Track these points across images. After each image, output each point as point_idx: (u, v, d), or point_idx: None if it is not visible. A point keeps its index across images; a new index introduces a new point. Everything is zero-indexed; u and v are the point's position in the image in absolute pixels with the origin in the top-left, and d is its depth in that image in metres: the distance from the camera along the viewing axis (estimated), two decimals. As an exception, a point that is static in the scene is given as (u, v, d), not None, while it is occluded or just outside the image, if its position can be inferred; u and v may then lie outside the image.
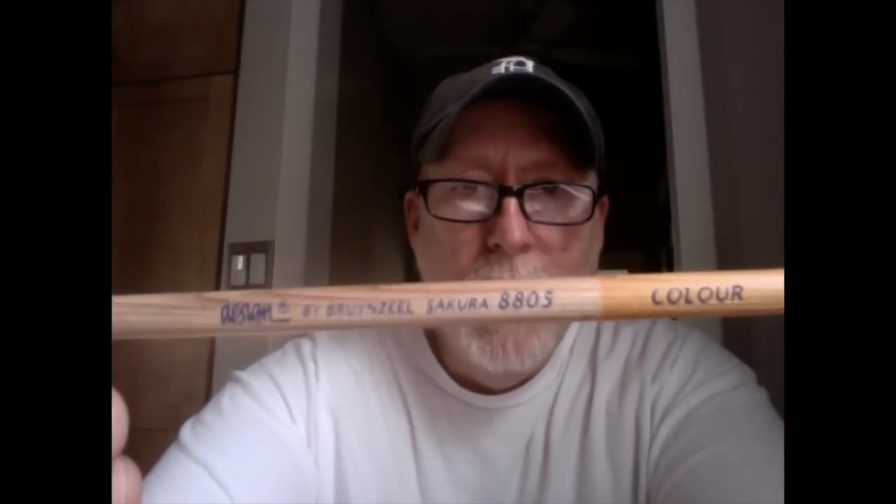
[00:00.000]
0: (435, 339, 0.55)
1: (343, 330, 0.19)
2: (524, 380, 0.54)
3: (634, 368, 0.54)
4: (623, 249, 3.35)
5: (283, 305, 0.19)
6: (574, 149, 0.48)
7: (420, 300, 0.19)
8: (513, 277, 0.46)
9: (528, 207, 0.46)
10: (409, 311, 0.19)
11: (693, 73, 1.36)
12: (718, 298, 0.19)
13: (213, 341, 1.44)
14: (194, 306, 0.20)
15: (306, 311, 0.19)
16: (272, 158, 1.52)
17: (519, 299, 0.19)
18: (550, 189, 0.48)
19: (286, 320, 0.19)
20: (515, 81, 0.48)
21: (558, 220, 0.48)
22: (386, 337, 0.57)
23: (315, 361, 0.55)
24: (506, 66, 0.50)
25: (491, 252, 0.46)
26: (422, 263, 0.54)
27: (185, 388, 1.43)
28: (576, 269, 0.49)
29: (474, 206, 0.48)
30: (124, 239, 1.52)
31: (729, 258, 1.24)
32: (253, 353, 0.59)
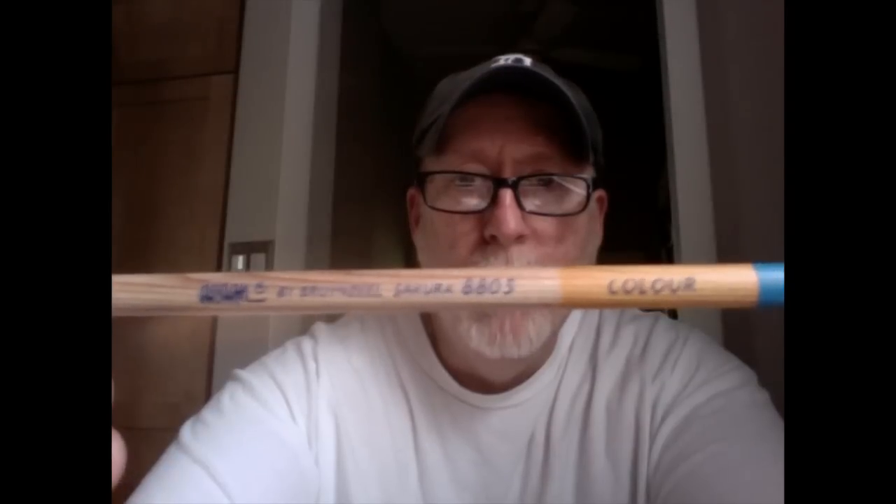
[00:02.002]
0: (436, 337, 0.55)
1: (317, 311, 0.20)
2: (523, 378, 0.54)
3: (635, 367, 0.54)
4: (623, 249, 3.35)
5: (259, 287, 0.20)
6: (570, 142, 0.48)
7: (388, 284, 0.20)
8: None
9: (524, 199, 0.47)
10: (377, 295, 0.20)
11: (693, 73, 1.36)
12: (671, 290, 0.20)
13: (212, 340, 1.44)
14: (176, 285, 0.21)
15: (281, 293, 0.20)
16: (272, 158, 1.51)
17: (482, 286, 0.20)
18: (546, 181, 0.48)
19: (262, 300, 0.20)
20: (511, 74, 0.49)
21: (553, 211, 0.48)
22: (388, 335, 0.57)
23: (316, 360, 0.55)
24: (504, 61, 0.50)
25: (487, 244, 0.47)
26: (422, 258, 0.54)
27: (184, 387, 1.43)
28: (572, 261, 0.49)
29: (471, 199, 0.48)
30: (124, 238, 1.52)
31: (729, 258, 1.24)
32: (253, 351, 0.59)
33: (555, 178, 0.49)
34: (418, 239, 0.55)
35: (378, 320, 0.59)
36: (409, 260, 2.92)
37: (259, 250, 1.47)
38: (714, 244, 1.27)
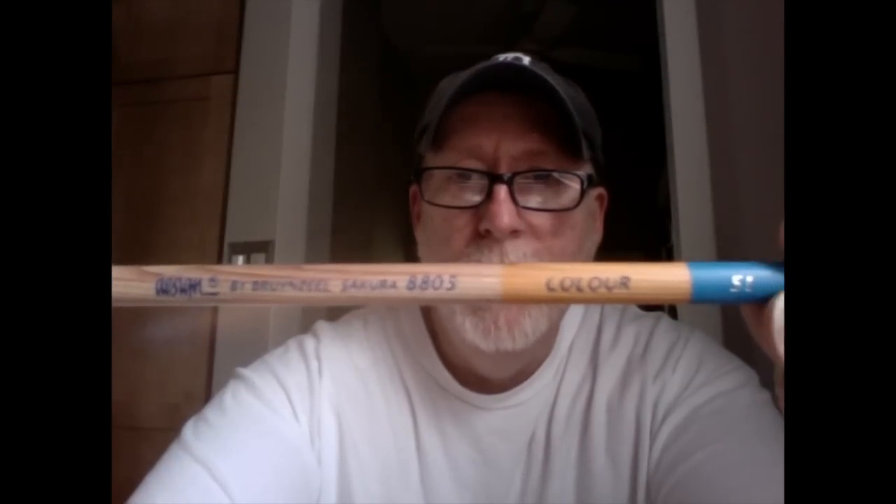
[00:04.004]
0: (436, 333, 0.55)
1: (268, 304, 0.20)
2: (523, 377, 0.54)
3: (636, 367, 0.54)
4: (623, 249, 3.35)
5: (212, 280, 0.21)
6: (566, 139, 0.49)
7: (336, 279, 0.21)
8: (502, 262, 0.47)
9: (519, 194, 0.48)
10: (325, 290, 0.21)
11: (693, 73, 1.36)
12: (607, 287, 0.20)
13: (212, 339, 1.44)
14: (132, 278, 0.22)
15: (233, 286, 0.21)
16: (272, 158, 1.51)
17: (425, 282, 0.21)
18: (542, 177, 0.49)
19: (215, 294, 0.21)
20: (506, 73, 0.49)
21: (548, 206, 0.49)
22: (390, 333, 0.58)
23: (318, 358, 0.55)
24: (503, 60, 0.51)
25: (482, 238, 0.47)
26: (421, 252, 0.55)
27: (184, 387, 1.43)
28: (568, 256, 0.49)
29: (468, 194, 0.49)
30: (124, 238, 1.52)
31: (729, 258, 1.23)
32: (253, 351, 0.59)
33: (549, 173, 0.49)
34: (419, 234, 0.56)
35: (380, 317, 0.59)
36: (410, 259, 2.92)
37: (259, 250, 1.47)
38: (714, 244, 1.27)
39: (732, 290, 0.20)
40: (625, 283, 0.20)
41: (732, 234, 1.26)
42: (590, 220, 0.53)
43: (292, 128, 1.52)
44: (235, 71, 1.58)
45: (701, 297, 0.20)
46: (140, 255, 1.52)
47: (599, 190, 0.56)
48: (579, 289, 0.20)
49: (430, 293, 0.21)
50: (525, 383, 0.54)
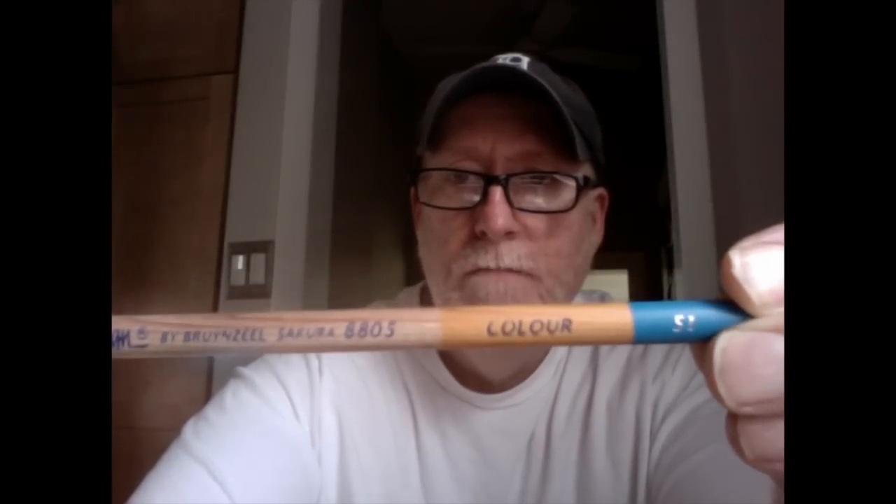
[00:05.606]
0: None
1: (202, 355, 0.20)
2: (522, 377, 0.54)
3: (636, 367, 0.54)
4: (623, 249, 3.36)
5: (141, 332, 0.20)
6: (563, 141, 0.48)
7: (272, 328, 0.20)
8: (497, 264, 0.47)
9: (514, 196, 0.47)
10: (261, 339, 0.20)
11: (693, 73, 1.36)
12: (549, 331, 0.20)
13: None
14: None
15: (164, 338, 0.20)
16: (272, 158, 1.51)
17: (363, 329, 0.20)
18: (538, 178, 0.49)
19: (144, 346, 0.20)
20: (501, 74, 0.49)
21: (543, 207, 0.48)
22: None
23: (319, 357, 0.55)
24: (502, 60, 0.51)
25: (478, 239, 0.47)
26: (420, 252, 0.55)
27: (185, 388, 1.43)
28: (564, 257, 0.49)
29: (464, 195, 0.49)
30: (124, 239, 1.52)
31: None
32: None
33: (545, 175, 0.49)
34: (419, 234, 0.56)
35: None
36: (410, 258, 2.93)
37: (259, 250, 1.46)
38: (714, 244, 1.27)
39: (675, 329, 0.20)
40: (567, 325, 0.20)
41: (732, 234, 1.26)
42: (588, 221, 0.53)
43: (292, 128, 1.53)
44: (235, 71, 1.58)
45: (643, 338, 0.20)
46: (140, 256, 1.52)
47: (600, 191, 0.56)
48: (521, 332, 0.20)
49: (368, 340, 0.20)
50: (525, 382, 0.54)
